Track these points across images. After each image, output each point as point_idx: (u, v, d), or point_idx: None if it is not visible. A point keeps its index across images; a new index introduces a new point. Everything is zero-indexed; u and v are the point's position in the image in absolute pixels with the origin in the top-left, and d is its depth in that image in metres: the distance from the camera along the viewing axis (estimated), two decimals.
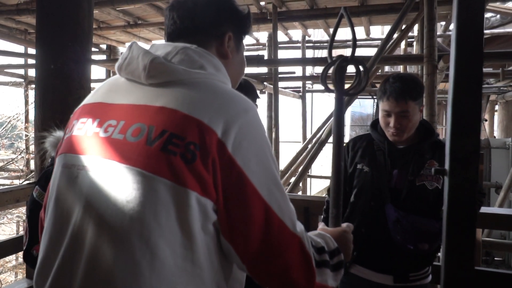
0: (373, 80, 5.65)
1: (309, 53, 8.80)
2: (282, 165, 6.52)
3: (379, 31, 9.05)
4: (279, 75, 5.74)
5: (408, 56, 5.49)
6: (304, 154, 6.16)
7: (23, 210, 8.06)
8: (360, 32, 6.51)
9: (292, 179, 5.47)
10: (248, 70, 6.63)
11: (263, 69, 6.43)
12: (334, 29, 1.13)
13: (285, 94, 7.91)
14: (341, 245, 0.90)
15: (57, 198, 0.78)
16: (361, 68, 1.02)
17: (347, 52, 1.23)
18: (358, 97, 7.62)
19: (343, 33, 9.02)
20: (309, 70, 8.62)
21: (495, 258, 5.27)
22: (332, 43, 1.16)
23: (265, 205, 0.72)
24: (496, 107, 8.09)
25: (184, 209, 0.68)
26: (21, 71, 8.17)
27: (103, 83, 0.89)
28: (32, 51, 7.10)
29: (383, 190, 1.55)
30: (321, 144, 4.25)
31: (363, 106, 10.75)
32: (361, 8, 4.87)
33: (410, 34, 5.68)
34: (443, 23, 6.36)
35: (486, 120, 7.99)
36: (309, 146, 6.18)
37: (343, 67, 1.02)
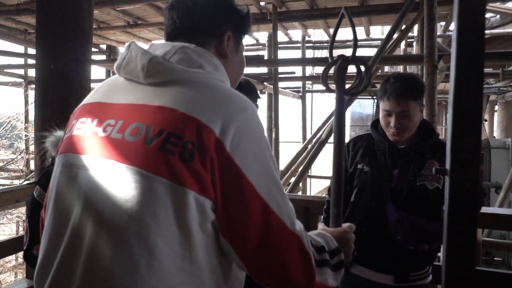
0: (373, 80, 5.65)
1: (309, 53, 8.80)
2: (282, 165, 6.52)
3: (379, 31, 9.05)
4: (279, 75, 5.75)
5: (408, 56, 5.50)
6: (304, 154, 6.16)
7: (23, 210, 8.06)
8: (360, 32, 6.51)
9: (292, 179, 5.47)
10: (248, 70, 6.63)
11: (263, 69, 6.43)
12: (335, 29, 1.12)
13: (285, 94, 7.92)
14: (342, 245, 0.90)
15: (57, 197, 0.78)
16: (362, 67, 1.02)
17: (347, 52, 1.23)
18: (358, 97, 7.62)
19: (343, 34, 9.03)
20: (309, 70, 8.62)
21: (495, 258, 5.28)
22: (333, 43, 1.16)
23: (263, 204, 0.72)
24: (496, 107, 8.09)
25: (182, 208, 0.68)
26: (21, 71, 8.17)
27: (102, 83, 0.89)
28: (32, 51, 7.10)
29: (383, 190, 1.55)
30: (321, 144, 4.25)
31: (363, 106, 10.74)
32: (361, 8, 4.87)
33: (410, 34, 5.68)
34: (443, 23, 6.36)
35: (486, 120, 7.99)
36: (309, 146, 6.18)
37: (344, 67, 1.02)
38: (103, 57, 7.74)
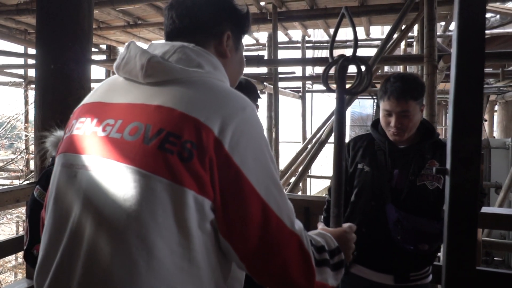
0: (373, 80, 5.65)
1: (309, 53, 8.80)
2: (282, 165, 6.52)
3: (379, 31, 9.06)
4: (279, 75, 5.75)
5: (408, 56, 5.50)
6: (304, 154, 6.16)
7: (22, 210, 8.06)
8: (360, 32, 6.51)
9: (292, 179, 5.47)
10: (248, 70, 6.63)
11: (263, 69, 6.44)
12: (335, 29, 1.12)
13: (285, 94, 7.92)
14: (342, 244, 0.90)
15: (56, 197, 0.79)
16: (363, 67, 1.02)
17: (347, 52, 1.23)
18: (358, 97, 7.62)
19: (343, 34, 9.03)
20: (309, 70, 8.63)
21: (495, 258, 5.28)
22: (333, 43, 1.16)
23: (262, 203, 0.72)
24: (496, 107, 8.09)
25: (181, 208, 0.68)
26: (21, 71, 8.18)
27: (102, 82, 0.90)
28: (32, 51, 7.11)
29: (383, 190, 1.54)
30: (321, 144, 4.25)
31: (363, 107, 10.75)
32: (361, 8, 4.87)
33: (410, 34, 5.68)
34: (443, 23, 6.37)
35: (485, 120, 7.99)
36: (309, 146, 6.18)
37: (345, 66, 1.02)
38: (103, 57, 7.74)
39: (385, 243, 1.54)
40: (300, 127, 8.21)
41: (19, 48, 7.96)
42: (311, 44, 8.02)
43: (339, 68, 1.01)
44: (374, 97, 6.98)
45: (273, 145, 5.40)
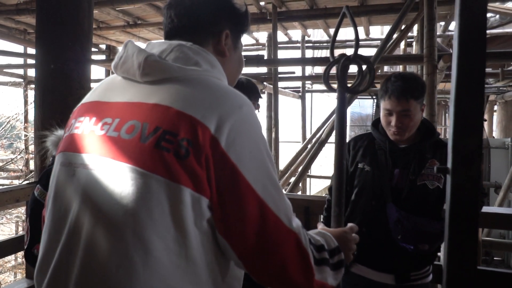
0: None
1: (309, 53, 8.80)
2: (282, 165, 6.52)
3: (379, 31, 9.07)
4: (279, 75, 5.74)
5: (408, 56, 5.50)
6: (304, 154, 6.15)
7: (22, 210, 8.06)
8: (360, 32, 6.46)
9: (292, 179, 5.47)
10: (248, 70, 6.64)
11: (263, 69, 6.43)
12: (336, 28, 1.12)
13: (285, 94, 7.92)
14: (342, 244, 0.90)
15: (55, 195, 0.79)
16: (364, 66, 1.02)
17: (347, 52, 1.23)
18: (358, 97, 7.62)
19: (343, 33, 9.03)
20: (309, 70, 8.63)
21: (495, 258, 5.28)
22: (334, 42, 1.16)
23: (259, 201, 0.72)
24: (495, 107, 8.09)
25: (177, 206, 0.68)
26: (20, 71, 8.17)
27: (100, 82, 0.90)
28: (31, 51, 7.10)
29: (384, 189, 1.54)
30: (320, 144, 4.25)
31: (363, 107, 10.75)
32: (361, 8, 4.87)
33: (409, 34, 5.68)
34: (442, 23, 6.37)
35: (485, 120, 7.99)
36: (309, 146, 6.18)
37: (346, 65, 1.02)
38: (103, 57, 7.74)
39: (385, 243, 1.54)
40: (300, 127, 8.21)
41: (19, 48, 7.95)
42: (311, 44, 8.02)
43: (341, 67, 1.01)
44: (374, 97, 6.97)
45: (272, 145, 5.40)
